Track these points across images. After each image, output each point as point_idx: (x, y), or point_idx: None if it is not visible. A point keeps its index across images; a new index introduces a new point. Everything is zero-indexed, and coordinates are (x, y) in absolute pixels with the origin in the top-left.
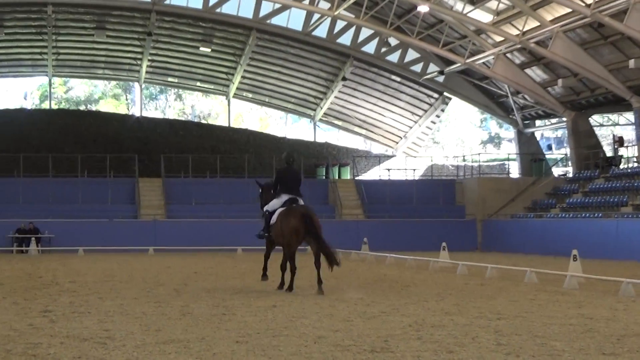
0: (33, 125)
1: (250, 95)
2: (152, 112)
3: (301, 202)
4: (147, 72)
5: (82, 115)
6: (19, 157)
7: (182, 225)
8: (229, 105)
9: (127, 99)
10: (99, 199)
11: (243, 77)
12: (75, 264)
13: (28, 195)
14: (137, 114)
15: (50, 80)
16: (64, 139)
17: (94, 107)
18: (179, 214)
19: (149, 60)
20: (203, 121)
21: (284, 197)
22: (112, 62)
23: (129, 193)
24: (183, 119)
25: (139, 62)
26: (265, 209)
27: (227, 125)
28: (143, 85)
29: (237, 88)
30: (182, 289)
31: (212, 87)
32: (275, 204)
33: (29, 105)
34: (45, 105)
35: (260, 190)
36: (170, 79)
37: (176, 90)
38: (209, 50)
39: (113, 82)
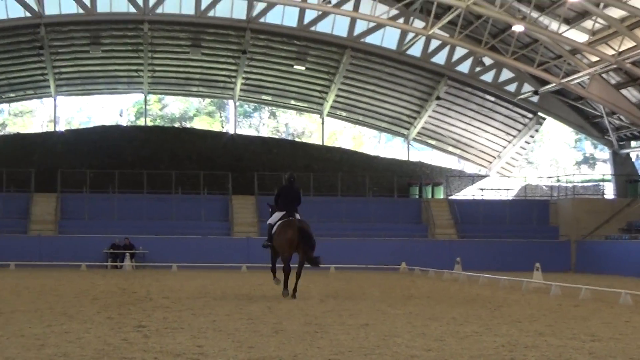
0: (128, 142)
1: (344, 113)
2: (246, 129)
3: (297, 216)
4: (241, 89)
5: (176, 132)
6: (114, 173)
7: None
8: (322, 123)
9: (221, 117)
10: (192, 215)
11: (337, 95)
12: (169, 280)
13: (122, 211)
14: (231, 132)
15: (145, 97)
16: (158, 156)
17: (188, 124)
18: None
19: (243, 77)
20: (297, 139)
21: (282, 213)
22: (206, 79)
23: (222, 210)
24: (277, 136)
25: (233, 79)
26: (268, 222)
27: (320, 143)
28: (237, 103)
29: (331, 106)
30: (274, 306)
31: (306, 105)
32: (275, 217)
33: (124, 122)
34: (141, 122)
35: (270, 210)
36: (264, 97)
37: (270, 108)
38: (303, 68)
39: (207, 100)
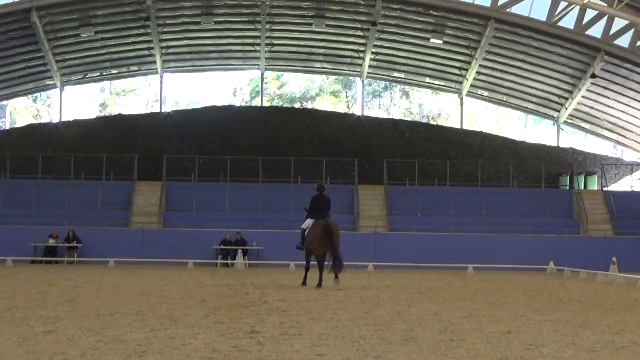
0: (242, 124)
1: (485, 93)
2: (375, 111)
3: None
4: (370, 65)
5: (296, 114)
6: (226, 159)
7: (406, 239)
8: (461, 104)
9: (347, 96)
10: None
11: (478, 72)
12: (286, 280)
13: (235, 203)
14: (358, 113)
15: (262, 75)
16: (276, 140)
17: (309, 105)
18: (402, 226)
19: (372, 52)
20: (432, 122)
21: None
22: (331, 54)
23: (347, 202)
24: (409, 119)
25: (361, 54)
26: (302, 227)
27: (458, 127)
28: (365, 81)
29: (471, 85)
30: (404, 311)
31: (443, 83)
32: (308, 222)
33: (238, 102)
34: (256, 103)
35: (305, 215)
36: (395, 74)
37: (402, 86)
38: (441, 42)
39: (332, 77)
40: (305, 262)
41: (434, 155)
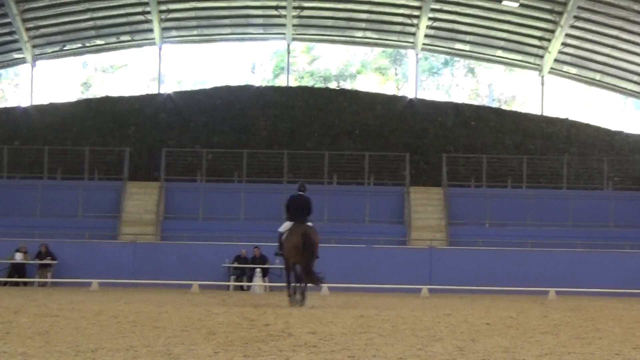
0: (262, 109)
1: (573, 70)
2: (432, 92)
3: (309, 224)
4: (426, 35)
5: (332, 96)
6: (242, 154)
7: (470, 256)
8: (542, 84)
9: (396, 74)
10: (351, 214)
11: (564, 44)
12: (317, 308)
13: (253, 209)
14: (411, 96)
15: (288, 47)
16: (305, 130)
17: (349, 85)
18: (465, 239)
19: (429, 19)
20: (504, 107)
21: (291, 223)
22: (377, 20)
23: (395, 207)
24: (475, 103)
25: (415, 21)
26: (279, 230)
27: (538, 113)
28: (420, 55)
29: (555, 60)
30: (468, 347)
31: (519, 58)
32: (286, 226)
33: (257, 81)
34: (281, 82)
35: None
36: (458, 46)
37: (467, 62)
38: (517, 4)
39: (377, 50)
40: (285, 274)
41: (506, 150)
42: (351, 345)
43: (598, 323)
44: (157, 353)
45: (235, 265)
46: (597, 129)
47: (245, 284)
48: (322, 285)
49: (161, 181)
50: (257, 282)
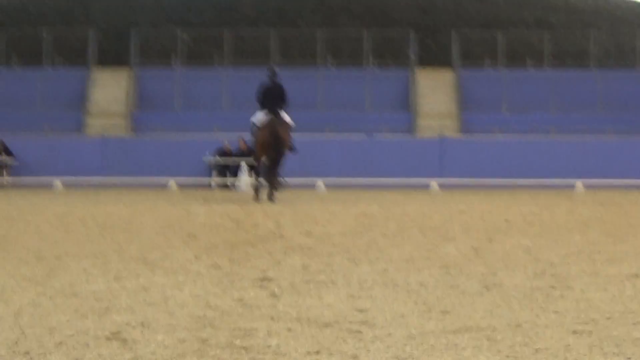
0: None
1: None
2: None
3: (284, 117)
4: None
5: None
6: (222, 34)
7: (486, 145)
8: None
9: None
10: (351, 101)
11: None
12: (310, 206)
13: (237, 96)
14: None
15: None
16: (296, 4)
17: None
18: (479, 126)
19: None
20: None
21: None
22: None
23: (399, 92)
24: None
25: None
26: (251, 120)
27: None
28: None
29: None
30: (484, 248)
31: None
32: (259, 117)
33: None
34: None
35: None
36: None
37: None
38: None
39: None
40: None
41: (526, 25)
42: (351, 247)
43: (631, 218)
44: (130, 259)
45: (218, 159)
46: (629, 3)
47: (229, 181)
48: (279, 189)
49: (132, 67)
50: (243, 178)
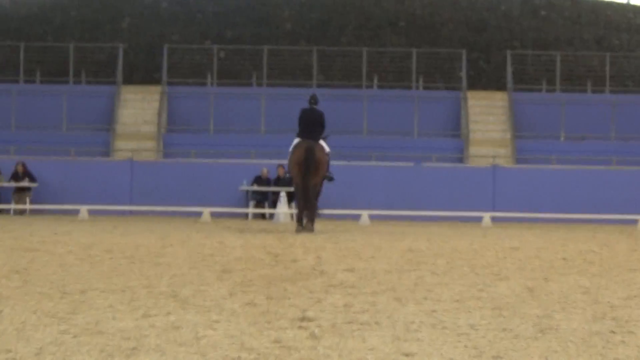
0: None
1: None
2: None
3: (321, 143)
4: None
5: None
6: (262, 51)
7: (542, 176)
8: None
9: None
10: (391, 125)
11: None
12: (353, 239)
13: (275, 118)
14: None
15: None
16: (339, 21)
17: None
18: (535, 155)
19: None
20: None
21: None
22: None
23: (448, 116)
24: None
25: None
26: (290, 149)
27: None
28: None
29: None
30: (539, 288)
31: None
32: (294, 143)
33: None
34: None
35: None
36: None
37: None
38: None
39: None
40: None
41: (585, 45)
42: (397, 285)
43: None
44: (160, 295)
45: (255, 188)
46: None
47: (267, 210)
48: (318, 216)
49: (163, 85)
50: (282, 208)
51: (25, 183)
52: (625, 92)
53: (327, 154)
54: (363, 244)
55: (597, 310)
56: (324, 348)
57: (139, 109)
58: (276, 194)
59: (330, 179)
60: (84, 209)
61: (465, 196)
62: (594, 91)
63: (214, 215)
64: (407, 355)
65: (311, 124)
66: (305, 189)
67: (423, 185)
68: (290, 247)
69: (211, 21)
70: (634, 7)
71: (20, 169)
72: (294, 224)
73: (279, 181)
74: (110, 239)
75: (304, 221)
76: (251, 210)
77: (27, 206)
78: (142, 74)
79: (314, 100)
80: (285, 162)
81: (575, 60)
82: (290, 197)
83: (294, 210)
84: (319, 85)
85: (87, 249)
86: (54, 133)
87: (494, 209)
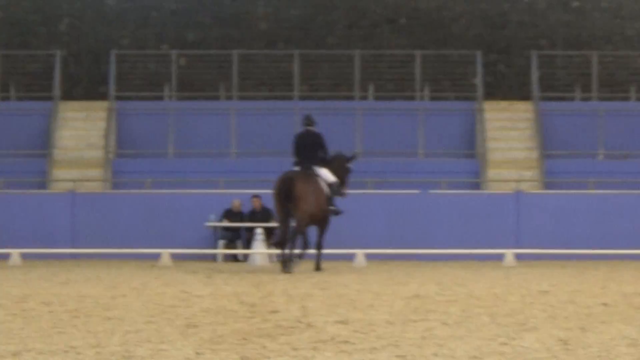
0: None
1: None
2: None
3: (319, 170)
4: None
5: None
6: (230, 57)
7: (576, 203)
8: None
9: None
10: (398, 140)
11: None
12: (348, 284)
13: (249, 138)
14: None
15: None
16: (326, 18)
17: None
18: (567, 177)
19: None
20: None
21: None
22: None
23: (463, 131)
24: None
25: None
26: None
27: None
28: None
29: None
30: (575, 340)
31: None
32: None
33: None
34: None
35: None
36: None
37: None
38: None
39: None
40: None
41: (628, 44)
42: (400, 340)
43: None
44: (112, 355)
45: (225, 224)
46: None
47: (240, 251)
48: (298, 260)
49: (110, 100)
50: (259, 248)
51: None
52: None
53: (332, 184)
54: (358, 289)
55: None
56: None
57: (81, 130)
58: (251, 231)
59: (336, 212)
60: (15, 252)
61: (483, 230)
62: (638, 99)
63: (175, 257)
64: None
65: (307, 149)
66: (283, 223)
67: (431, 217)
68: (269, 295)
69: (169, 21)
70: None
71: None
72: (275, 266)
73: (254, 215)
74: (48, 289)
75: (289, 263)
76: (221, 250)
77: None
78: (84, 86)
79: (308, 121)
80: (261, 191)
81: (615, 62)
82: (268, 234)
83: (275, 250)
84: (302, 97)
85: (21, 302)
86: None
87: (517, 244)
